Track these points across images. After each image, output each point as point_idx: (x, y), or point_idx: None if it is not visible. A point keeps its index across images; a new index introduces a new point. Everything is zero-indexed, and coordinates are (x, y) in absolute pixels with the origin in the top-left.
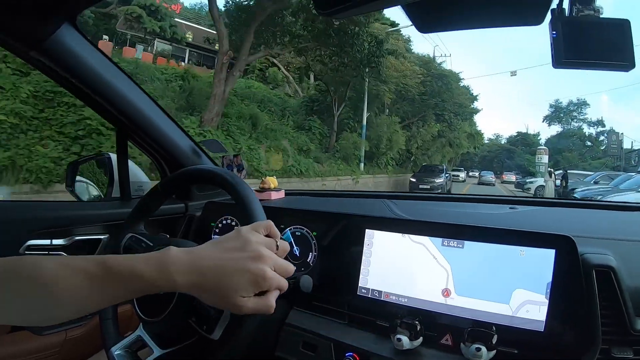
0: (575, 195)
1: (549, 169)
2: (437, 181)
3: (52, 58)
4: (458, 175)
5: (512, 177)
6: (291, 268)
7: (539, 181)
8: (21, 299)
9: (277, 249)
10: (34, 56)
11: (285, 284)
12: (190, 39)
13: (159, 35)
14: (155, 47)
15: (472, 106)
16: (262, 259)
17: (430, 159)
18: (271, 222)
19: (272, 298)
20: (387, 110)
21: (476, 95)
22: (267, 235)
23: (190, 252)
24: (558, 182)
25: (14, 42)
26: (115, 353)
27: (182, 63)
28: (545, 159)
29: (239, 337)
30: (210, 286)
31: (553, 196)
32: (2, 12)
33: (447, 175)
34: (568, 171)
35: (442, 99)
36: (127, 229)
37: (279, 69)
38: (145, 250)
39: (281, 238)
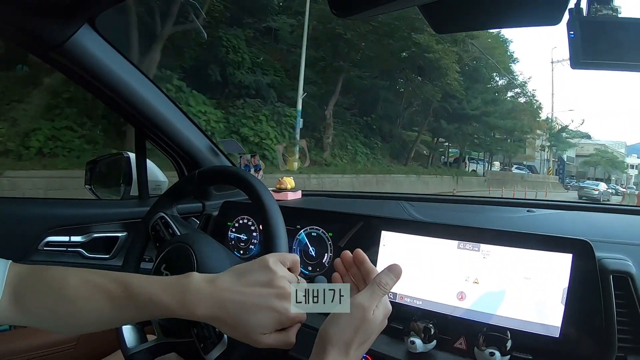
0: None
1: None
2: None
3: (72, 59)
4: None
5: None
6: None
7: None
8: (50, 309)
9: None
10: (54, 57)
11: (304, 316)
12: None
13: None
14: None
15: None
16: (287, 297)
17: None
18: (297, 258)
19: (292, 334)
20: None
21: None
22: (289, 269)
23: (212, 283)
24: None
25: (33, 43)
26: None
27: None
28: None
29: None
30: (231, 320)
31: None
32: (22, 14)
33: None
34: None
35: None
36: (158, 207)
37: None
38: (170, 236)
39: (296, 238)
